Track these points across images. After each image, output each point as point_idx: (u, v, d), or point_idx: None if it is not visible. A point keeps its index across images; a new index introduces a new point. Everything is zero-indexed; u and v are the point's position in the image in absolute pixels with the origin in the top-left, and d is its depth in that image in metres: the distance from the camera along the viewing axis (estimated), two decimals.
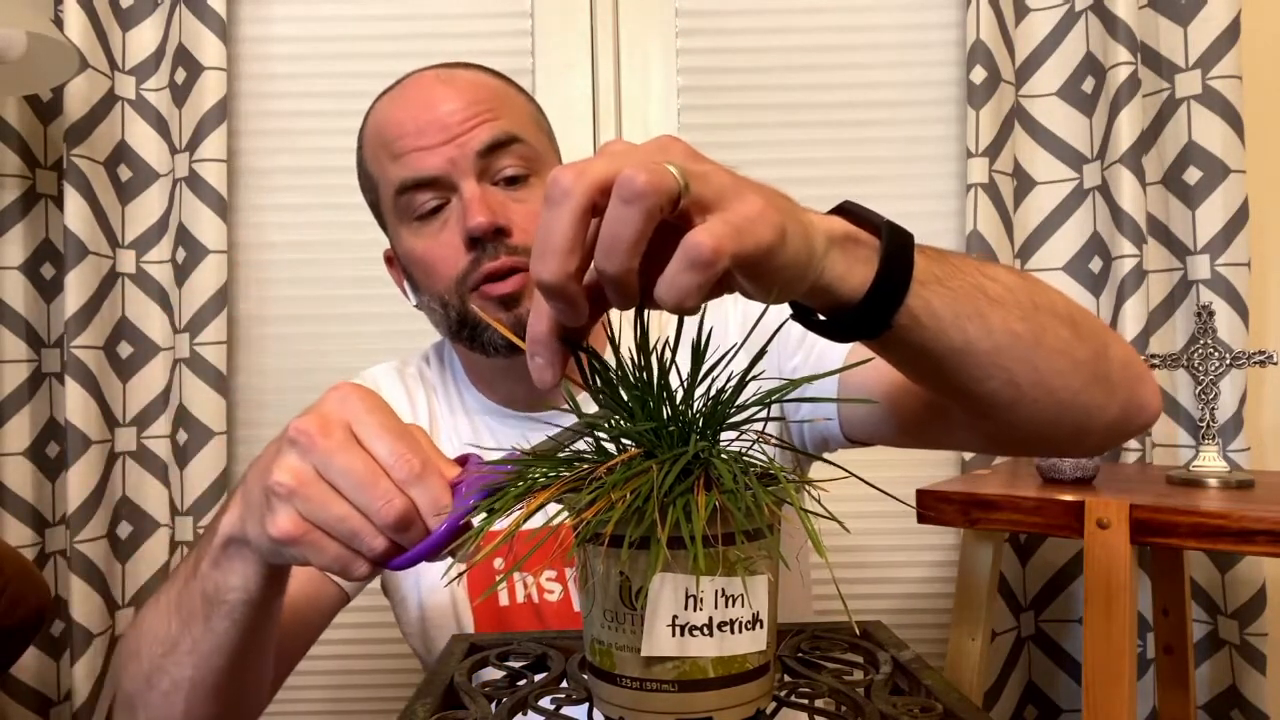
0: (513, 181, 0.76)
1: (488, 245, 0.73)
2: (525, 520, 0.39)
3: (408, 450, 0.44)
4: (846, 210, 0.47)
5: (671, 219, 0.37)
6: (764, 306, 0.43)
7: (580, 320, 0.39)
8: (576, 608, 0.76)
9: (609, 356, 0.41)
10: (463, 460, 0.47)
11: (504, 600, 0.78)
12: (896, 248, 0.45)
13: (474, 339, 0.76)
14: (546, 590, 0.77)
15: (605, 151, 0.40)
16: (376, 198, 0.81)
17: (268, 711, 0.65)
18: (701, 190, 0.38)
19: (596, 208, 0.37)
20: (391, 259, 0.85)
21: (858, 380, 0.69)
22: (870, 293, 0.45)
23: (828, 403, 0.73)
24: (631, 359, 0.41)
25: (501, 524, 0.42)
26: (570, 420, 0.43)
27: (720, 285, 0.40)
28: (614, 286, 0.38)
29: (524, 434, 0.78)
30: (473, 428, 0.84)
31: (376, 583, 0.86)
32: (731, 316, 0.82)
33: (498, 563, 0.77)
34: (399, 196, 0.76)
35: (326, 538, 0.44)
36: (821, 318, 0.47)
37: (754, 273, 0.40)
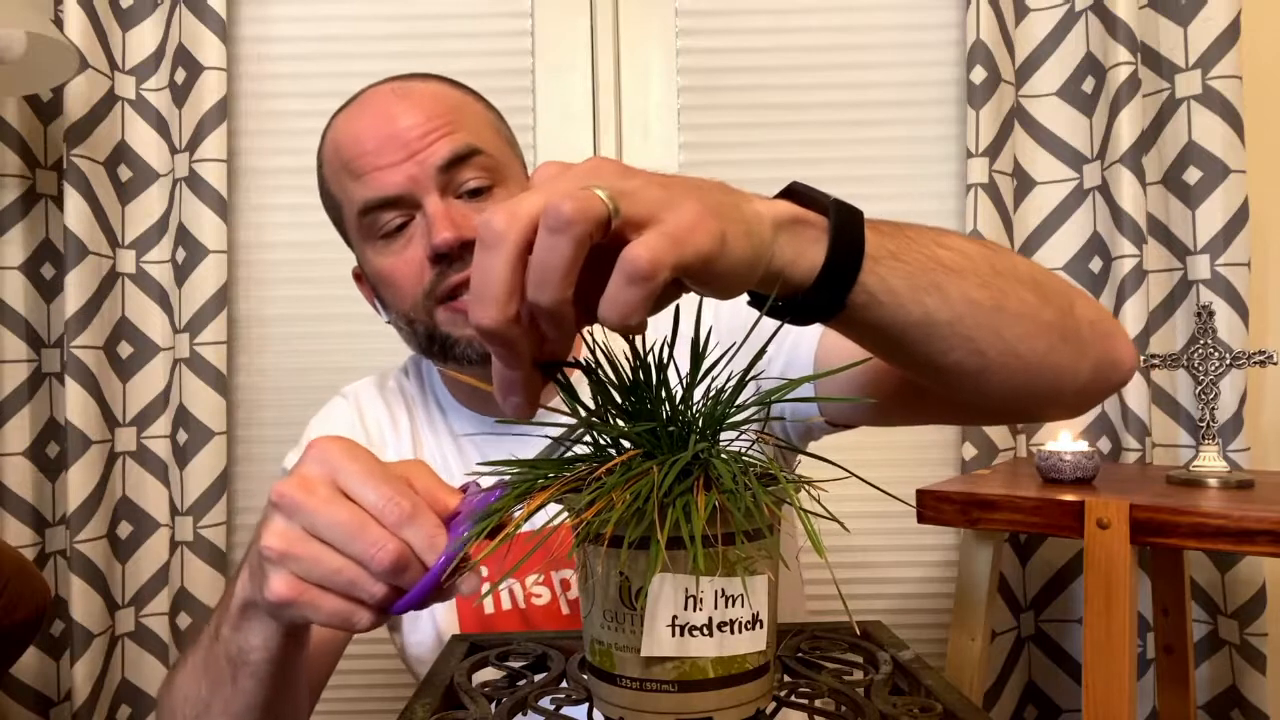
0: (476, 193, 0.75)
1: (453, 260, 0.72)
2: (523, 523, 0.39)
3: (395, 493, 0.44)
4: (794, 192, 0.47)
5: (606, 242, 0.37)
6: (734, 303, 0.43)
7: (524, 366, 0.39)
8: (565, 611, 0.76)
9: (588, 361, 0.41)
10: (466, 489, 0.47)
11: (489, 608, 0.77)
12: (845, 226, 0.45)
13: (446, 354, 0.76)
14: (534, 595, 0.77)
15: (534, 181, 0.40)
16: (340, 216, 0.80)
17: None
18: (632, 209, 0.37)
19: (531, 244, 0.36)
20: (360, 276, 0.85)
21: (833, 362, 0.69)
22: (822, 274, 0.44)
23: (819, 402, 0.73)
24: (628, 362, 0.41)
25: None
26: (552, 425, 0.43)
27: (670, 294, 0.40)
28: (549, 319, 0.37)
29: (503, 442, 0.78)
30: (453, 438, 0.83)
31: None
32: (705, 316, 0.81)
33: (483, 570, 0.77)
34: (362, 216, 0.75)
35: (324, 594, 0.44)
36: (779, 303, 0.47)
37: (700, 279, 0.39)
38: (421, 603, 0.44)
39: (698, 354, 0.41)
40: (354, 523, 0.43)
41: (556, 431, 0.44)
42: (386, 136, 0.73)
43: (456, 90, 0.79)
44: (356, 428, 0.85)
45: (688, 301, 0.42)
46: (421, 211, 0.73)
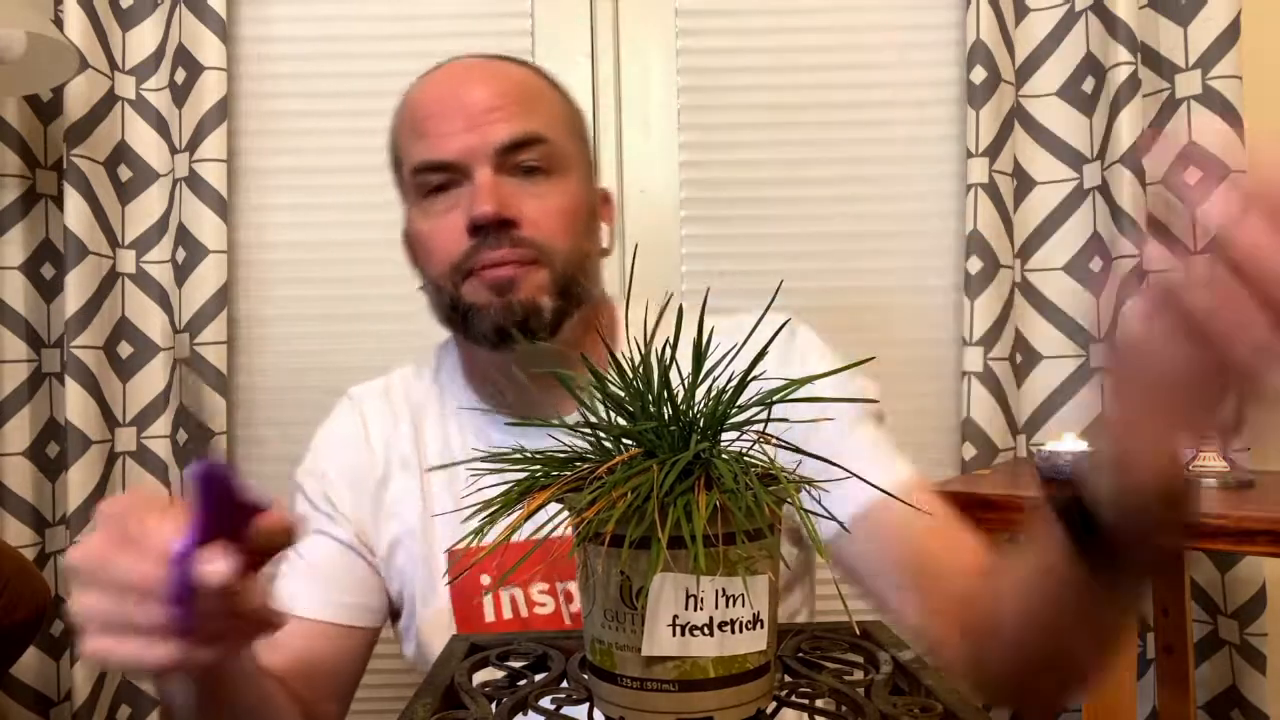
0: (531, 171, 0.75)
1: (490, 235, 0.72)
2: (520, 526, 0.39)
3: (111, 528, 0.44)
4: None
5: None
6: (763, 327, 0.44)
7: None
8: (567, 623, 0.75)
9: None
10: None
11: (489, 616, 0.76)
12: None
13: (466, 326, 0.76)
14: (538, 603, 0.76)
15: None
16: (400, 174, 0.81)
17: None
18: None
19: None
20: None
21: (875, 534, 0.71)
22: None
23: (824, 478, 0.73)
24: (630, 362, 0.41)
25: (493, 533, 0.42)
26: (560, 428, 0.43)
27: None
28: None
29: (511, 440, 0.77)
30: (461, 432, 0.83)
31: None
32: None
33: (483, 579, 0.76)
34: (415, 175, 0.76)
35: (118, 641, 0.44)
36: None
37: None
38: (189, 599, 0.42)
39: (699, 355, 0.41)
40: (97, 562, 0.44)
41: (564, 435, 0.44)
42: (454, 104, 0.74)
43: (538, 78, 0.80)
44: (359, 429, 0.85)
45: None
46: (471, 181, 0.74)
